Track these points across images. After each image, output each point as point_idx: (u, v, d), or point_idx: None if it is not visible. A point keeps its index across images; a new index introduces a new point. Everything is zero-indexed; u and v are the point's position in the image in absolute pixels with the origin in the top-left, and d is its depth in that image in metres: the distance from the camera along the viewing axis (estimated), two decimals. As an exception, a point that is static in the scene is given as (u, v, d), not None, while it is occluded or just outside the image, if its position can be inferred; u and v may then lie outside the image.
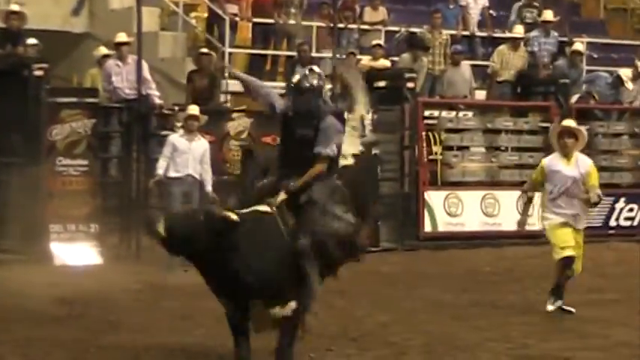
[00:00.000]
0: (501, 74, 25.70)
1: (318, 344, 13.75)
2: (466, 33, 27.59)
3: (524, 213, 15.16)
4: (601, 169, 21.11)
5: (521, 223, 15.22)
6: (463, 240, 23.11)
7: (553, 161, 14.25)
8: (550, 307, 14.78)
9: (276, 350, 11.35)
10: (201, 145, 20.19)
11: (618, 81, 25.98)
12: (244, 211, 11.46)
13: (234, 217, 11.06)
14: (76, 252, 19.32)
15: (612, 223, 24.69)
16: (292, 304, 11.17)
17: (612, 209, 24.63)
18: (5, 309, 14.65)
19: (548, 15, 26.76)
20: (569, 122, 14.64)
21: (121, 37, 22.19)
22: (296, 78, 12.36)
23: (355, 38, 25.73)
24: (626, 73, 26.09)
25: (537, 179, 14.60)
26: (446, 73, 25.80)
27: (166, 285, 17.37)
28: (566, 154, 14.07)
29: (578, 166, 14.20)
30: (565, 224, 14.47)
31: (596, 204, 14.51)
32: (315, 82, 12.02)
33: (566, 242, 14.41)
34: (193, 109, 20.56)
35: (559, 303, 14.79)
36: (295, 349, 12.32)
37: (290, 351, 11.48)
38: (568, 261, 14.48)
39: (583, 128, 14.88)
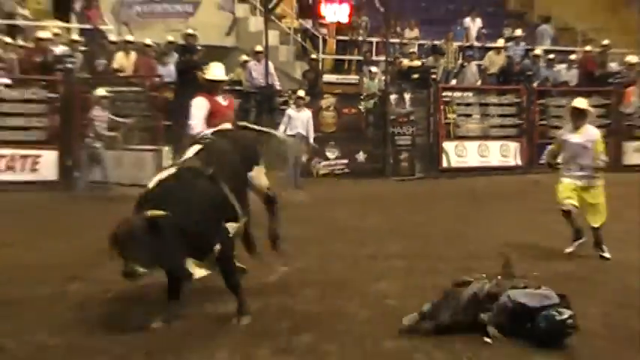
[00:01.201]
0: (490, 69, 25.80)
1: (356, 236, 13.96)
2: (468, 44, 27.49)
3: (554, 169, 12.36)
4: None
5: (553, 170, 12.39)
6: (467, 172, 23.30)
7: (566, 133, 12.00)
8: (568, 250, 12.13)
9: None
10: (306, 114, 20.56)
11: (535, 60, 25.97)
12: None
13: None
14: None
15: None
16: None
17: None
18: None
19: (518, 32, 27.04)
20: (578, 102, 12.07)
21: (258, 47, 22.66)
22: None
23: (399, 48, 25.56)
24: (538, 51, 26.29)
25: (554, 149, 12.27)
26: (462, 69, 25.70)
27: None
28: (576, 127, 11.80)
29: (587, 135, 11.78)
30: (571, 184, 11.90)
31: (601, 168, 11.84)
32: None
33: (564, 197, 11.91)
34: (300, 92, 21.20)
35: (580, 242, 12.10)
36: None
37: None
38: (566, 213, 11.93)
39: (589, 107, 12.15)
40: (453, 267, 10.55)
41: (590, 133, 11.88)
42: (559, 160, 12.26)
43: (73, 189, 19.03)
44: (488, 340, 8.16)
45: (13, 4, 23.45)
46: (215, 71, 10.39)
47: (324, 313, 9.32)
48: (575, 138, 11.80)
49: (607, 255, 11.95)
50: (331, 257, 12.21)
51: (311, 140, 20.82)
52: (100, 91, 18.82)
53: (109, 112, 18.82)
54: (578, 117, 11.85)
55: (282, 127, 20.52)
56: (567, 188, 11.93)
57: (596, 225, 12.04)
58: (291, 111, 20.82)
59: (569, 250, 12.13)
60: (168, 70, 22.18)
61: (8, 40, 20.93)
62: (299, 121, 20.59)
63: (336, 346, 8.17)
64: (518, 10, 32.61)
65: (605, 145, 12.14)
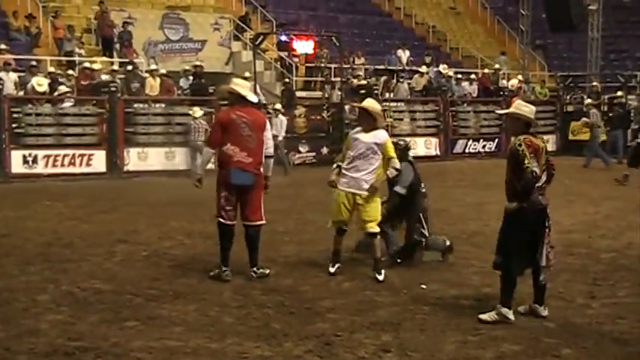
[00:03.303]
0: (416, 87, 25.61)
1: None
2: (401, 68, 27.10)
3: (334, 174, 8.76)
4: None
5: (332, 183, 8.76)
6: None
7: (356, 133, 8.59)
8: (331, 269, 8.71)
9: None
10: (279, 119, 20.55)
11: (441, 75, 25.69)
12: None
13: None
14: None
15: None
16: None
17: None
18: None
19: (443, 67, 26.53)
20: (367, 102, 8.80)
21: (247, 74, 21.53)
22: None
23: (350, 71, 25.26)
24: (444, 67, 26.15)
25: (345, 148, 8.71)
26: (397, 85, 25.20)
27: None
28: (365, 130, 8.50)
29: (376, 137, 8.39)
30: (346, 195, 8.52)
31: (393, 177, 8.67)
32: None
33: (337, 216, 8.65)
34: (277, 105, 21.02)
35: (337, 266, 8.76)
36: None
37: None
38: (339, 231, 8.76)
39: (378, 109, 8.72)
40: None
41: (379, 136, 8.54)
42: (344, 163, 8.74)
43: (116, 178, 19.18)
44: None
45: (74, 45, 23.47)
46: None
47: (299, 263, 9.35)
48: (364, 137, 8.53)
49: (380, 278, 8.51)
50: (304, 223, 12.17)
51: (280, 138, 20.29)
52: (197, 110, 19.73)
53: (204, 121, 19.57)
54: (365, 118, 8.63)
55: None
56: (340, 203, 8.62)
57: (371, 230, 8.70)
58: (272, 118, 20.29)
59: (331, 269, 8.77)
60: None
61: (71, 72, 21.03)
62: (274, 126, 20.24)
63: (309, 287, 8.19)
64: (436, 43, 32.81)
65: (395, 150, 8.63)
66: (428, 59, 27.77)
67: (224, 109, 9.28)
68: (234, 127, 8.33)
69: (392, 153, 8.55)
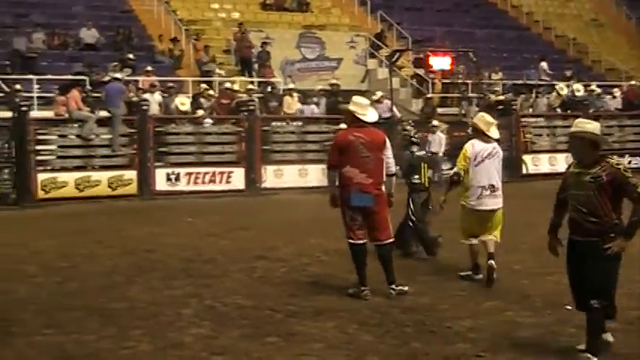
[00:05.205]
0: (554, 104, 24.26)
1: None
2: (541, 82, 26.25)
3: None
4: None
5: None
6: (541, 177, 21.85)
7: None
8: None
9: None
10: (438, 136, 20.34)
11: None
12: None
13: None
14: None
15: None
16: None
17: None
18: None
19: (576, 86, 25.30)
20: (475, 117, 9.50)
21: (379, 93, 21.96)
22: None
23: (487, 87, 24.93)
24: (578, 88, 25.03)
25: None
26: (536, 100, 24.14)
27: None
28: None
29: None
30: None
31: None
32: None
33: None
34: (435, 122, 20.57)
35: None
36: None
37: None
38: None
39: (478, 122, 9.08)
40: (529, 246, 10.12)
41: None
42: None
43: (255, 195, 19.50)
44: None
45: (214, 66, 24.26)
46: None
47: (438, 281, 9.23)
48: None
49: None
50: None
51: (440, 154, 20.36)
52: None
53: None
54: (475, 132, 9.18)
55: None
56: None
57: None
58: (430, 136, 20.38)
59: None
60: (311, 109, 22.29)
61: (211, 92, 21.58)
62: (433, 142, 20.37)
63: (448, 306, 8.14)
64: (576, 56, 31.94)
65: (464, 156, 9.01)
66: (568, 73, 27.15)
67: (342, 131, 9.30)
68: (352, 149, 8.31)
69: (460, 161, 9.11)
